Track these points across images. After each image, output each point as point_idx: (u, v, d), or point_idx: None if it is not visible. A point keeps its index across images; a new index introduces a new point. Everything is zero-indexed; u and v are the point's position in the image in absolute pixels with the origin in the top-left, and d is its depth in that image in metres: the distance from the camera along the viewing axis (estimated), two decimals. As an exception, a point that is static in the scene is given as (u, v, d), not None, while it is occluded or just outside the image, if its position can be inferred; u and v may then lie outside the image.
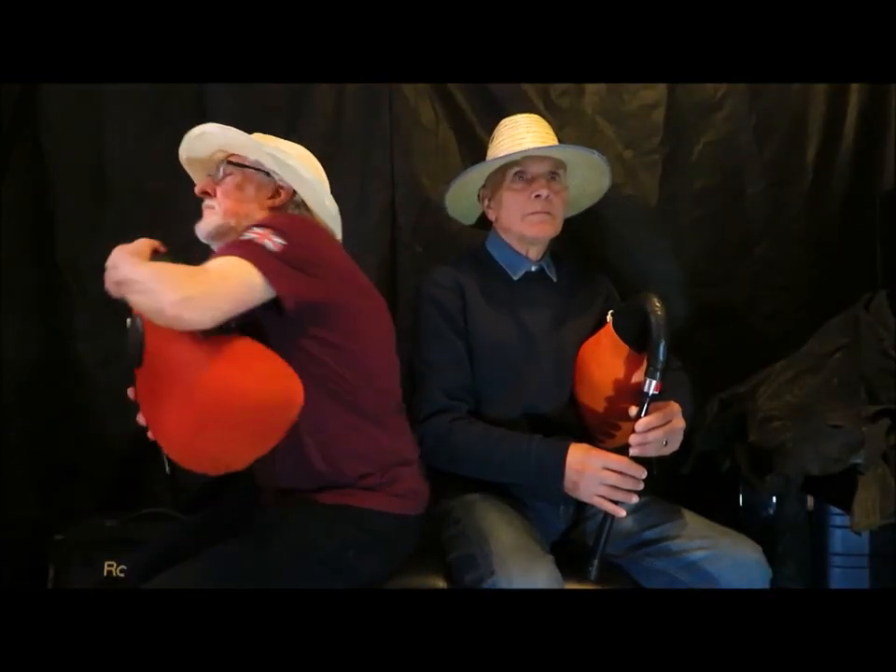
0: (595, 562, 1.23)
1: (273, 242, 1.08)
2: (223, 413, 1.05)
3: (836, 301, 1.78)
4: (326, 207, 1.31)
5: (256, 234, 1.09)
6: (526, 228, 1.46)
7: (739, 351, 1.87)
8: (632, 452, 1.23)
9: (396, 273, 1.87)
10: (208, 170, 1.34)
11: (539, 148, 1.45)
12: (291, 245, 1.09)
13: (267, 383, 1.10)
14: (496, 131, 1.54)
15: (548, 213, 1.45)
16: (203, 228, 1.29)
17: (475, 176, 1.52)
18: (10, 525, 1.78)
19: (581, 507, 1.43)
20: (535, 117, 1.54)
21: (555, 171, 1.47)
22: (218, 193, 1.28)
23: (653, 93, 1.87)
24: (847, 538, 1.45)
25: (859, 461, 1.36)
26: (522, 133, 1.48)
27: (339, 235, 1.37)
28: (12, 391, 1.79)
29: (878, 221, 1.82)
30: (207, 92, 1.84)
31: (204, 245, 1.73)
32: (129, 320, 1.07)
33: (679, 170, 1.88)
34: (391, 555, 1.25)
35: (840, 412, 1.45)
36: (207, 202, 1.29)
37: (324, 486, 1.20)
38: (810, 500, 1.53)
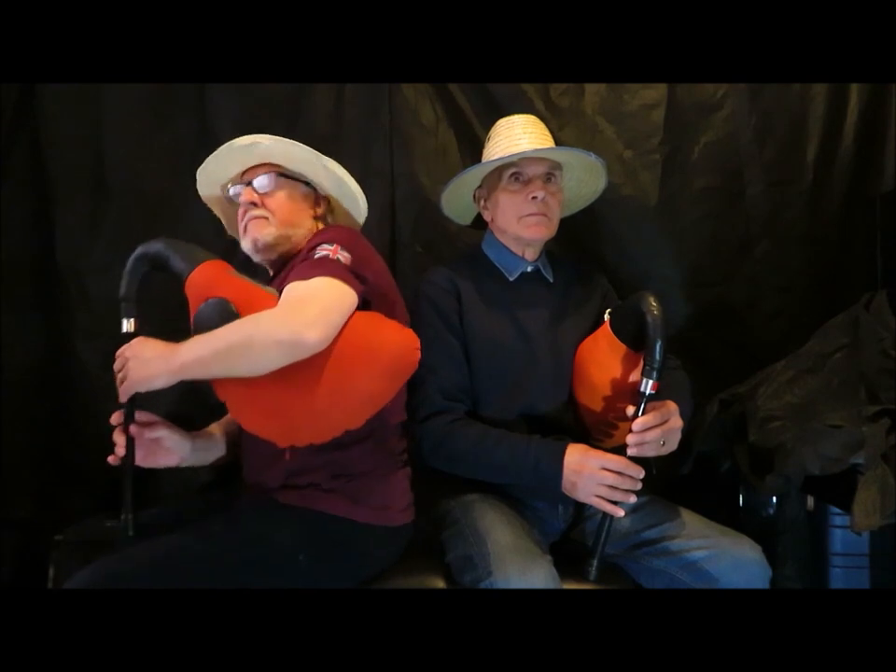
0: (595, 562, 1.23)
1: (343, 256, 1.18)
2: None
3: (836, 300, 1.78)
4: (362, 212, 1.41)
5: (328, 251, 1.18)
6: (522, 229, 1.46)
7: (739, 351, 1.87)
8: (630, 452, 1.23)
9: (396, 273, 1.86)
10: (223, 181, 1.40)
11: (536, 150, 1.45)
12: (354, 257, 1.19)
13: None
14: (492, 131, 1.54)
15: (544, 215, 1.45)
16: (261, 239, 1.31)
17: (470, 177, 1.52)
18: (10, 526, 1.78)
19: (581, 507, 1.43)
20: (532, 117, 1.53)
21: (552, 172, 1.47)
22: (270, 204, 1.32)
23: (653, 93, 1.87)
24: (846, 538, 1.45)
25: (859, 461, 1.36)
26: (518, 134, 1.47)
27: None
28: (12, 391, 1.79)
29: (878, 221, 1.82)
30: (207, 92, 1.84)
31: (207, 242, 1.74)
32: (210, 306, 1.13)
33: (679, 170, 1.88)
34: (353, 565, 1.23)
35: (840, 412, 1.45)
36: (255, 212, 1.31)
37: (287, 485, 1.22)
38: (810, 500, 1.53)
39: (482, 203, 1.53)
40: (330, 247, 1.18)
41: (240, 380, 1.10)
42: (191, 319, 1.16)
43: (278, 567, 1.15)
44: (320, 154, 1.35)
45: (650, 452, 1.24)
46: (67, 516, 1.72)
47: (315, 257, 1.17)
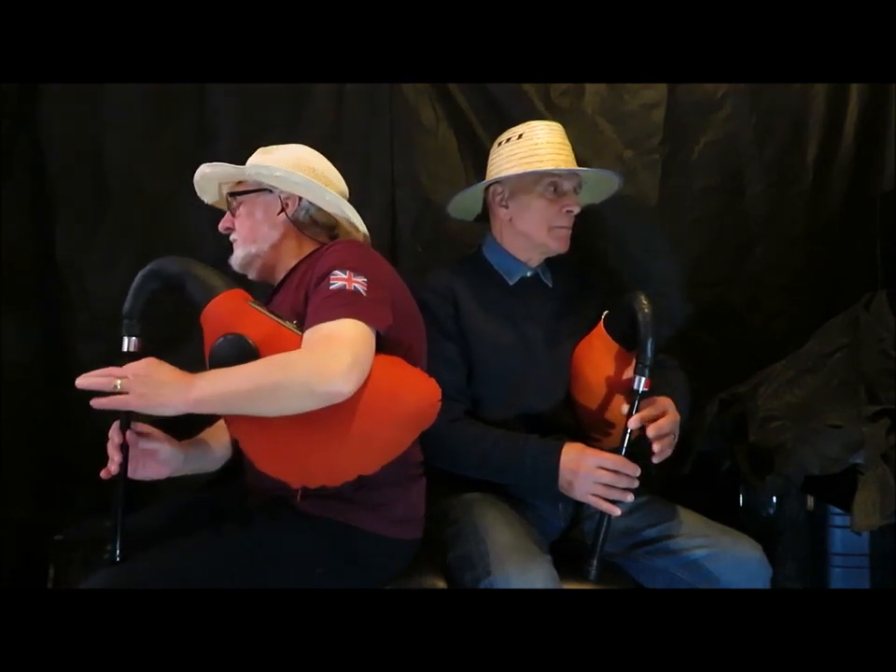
0: (595, 562, 1.23)
1: (359, 283, 1.14)
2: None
3: (836, 300, 1.78)
4: (328, 203, 1.31)
5: (343, 280, 1.13)
6: (552, 240, 1.47)
7: (739, 351, 1.87)
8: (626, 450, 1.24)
9: (396, 274, 1.87)
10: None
11: (597, 171, 1.53)
12: (370, 279, 1.16)
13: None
14: (523, 128, 1.49)
15: (570, 228, 1.47)
16: (234, 261, 1.34)
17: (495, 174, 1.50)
18: (10, 525, 1.78)
19: (581, 505, 1.43)
20: (560, 127, 1.53)
21: (576, 187, 1.49)
22: (236, 225, 1.33)
23: (653, 93, 1.87)
24: (846, 538, 1.45)
25: (859, 461, 1.36)
26: (559, 143, 1.48)
27: (355, 215, 1.35)
28: (12, 391, 1.79)
29: (878, 221, 1.82)
30: (207, 92, 1.84)
31: (207, 243, 1.75)
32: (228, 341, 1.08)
33: (679, 170, 1.88)
34: (367, 577, 1.21)
35: (840, 412, 1.45)
36: (231, 236, 1.34)
37: (309, 492, 1.17)
38: (810, 500, 1.53)
39: (497, 199, 1.50)
40: (344, 275, 1.14)
41: (255, 420, 1.08)
42: (206, 352, 1.11)
43: (294, 579, 1.13)
44: (260, 154, 1.34)
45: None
46: (67, 516, 1.73)
47: (331, 288, 1.13)
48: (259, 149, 1.37)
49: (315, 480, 1.13)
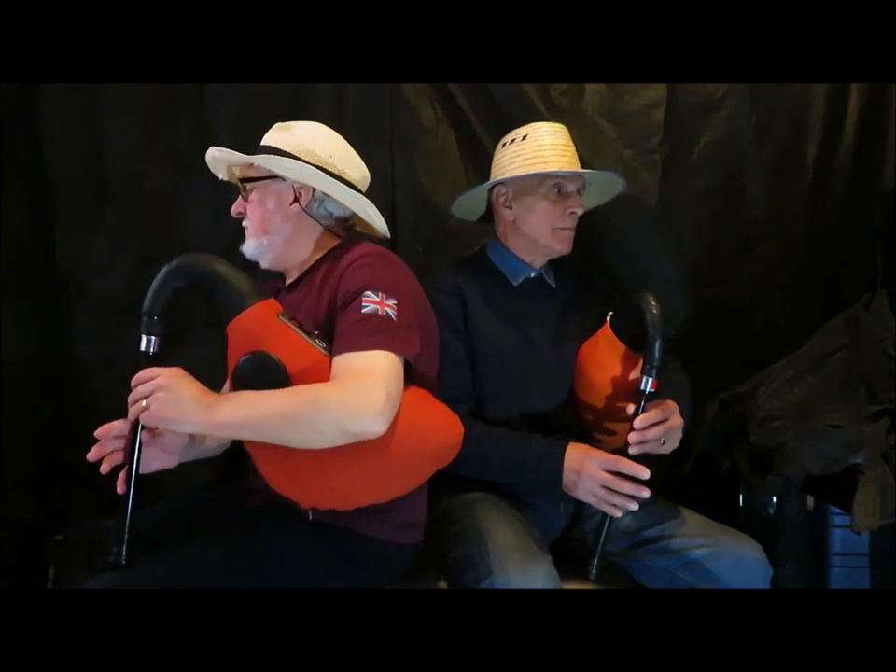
0: (595, 562, 1.23)
1: (390, 307, 1.11)
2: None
3: (836, 300, 1.78)
4: (343, 198, 1.27)
5: (375, 304, 1.11)
6: (555, 241, 1.47)
7: (739, 351, 1.87)
8: (631, 450, 1.24)
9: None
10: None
11: (599, 173, 1.53)
12: (400, 301, 1.13)
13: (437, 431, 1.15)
14: (527, 129, 1.49)
15: (573, 229, 1.48)
16: (246, 249, 1.29)
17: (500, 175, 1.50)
18: (10, 525, 1.78)
19: (582, 504, 1.43)
20: (564, 129, 1.52)
21: (580, 188, 1.49)
22: (248, 212, 1.27)
23: (653, 93, 1.87)
24: (846, 538, 1.46)
25: (859, 461, 1.36)
26: (563, 145, 1.47)
27: (374, 210, 1.31)
28: (12, 391, 1.79)
29: (878, 221, 1.82)
30: (207, 92, 1.84)
31: (208, 242, 1.75)
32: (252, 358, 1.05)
33: (679, 170, 1.88)
34: (366, 580, 1.21)
35: (840, 412, 1.45)
36: (244, 222, 1.29)
37: None
38: (810, 500, 1.53)
39: (501, 199, 1.50)
40: (376, 297, 1.11)
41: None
42: (229, 365, 1.08)
43: (295, 582, 1.13)
44: (274, 132, 1.30)
45: (650, 451, 1.25)
46: (67, 516, 1.72)
47: (363, 311, 1.10)
48: (276, 125, 1.31)
49: (326, 504, 1.12)
